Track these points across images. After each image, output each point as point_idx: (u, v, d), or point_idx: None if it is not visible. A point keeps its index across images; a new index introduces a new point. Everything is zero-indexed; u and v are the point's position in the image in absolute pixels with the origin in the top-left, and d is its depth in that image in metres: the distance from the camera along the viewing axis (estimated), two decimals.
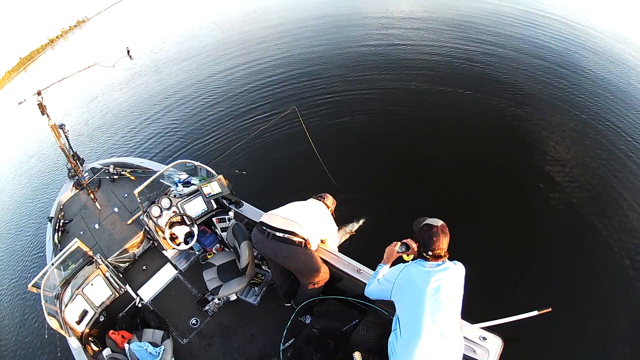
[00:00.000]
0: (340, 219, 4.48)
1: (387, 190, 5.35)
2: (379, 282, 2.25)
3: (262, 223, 2.93)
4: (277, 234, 2.80)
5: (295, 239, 2.78)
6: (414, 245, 2.19)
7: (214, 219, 4.09)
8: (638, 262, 4.00)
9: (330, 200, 3.20)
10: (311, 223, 2.88)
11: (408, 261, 2.19)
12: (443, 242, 1.94)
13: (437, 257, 1.97)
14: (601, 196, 4.82)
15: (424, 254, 1.99)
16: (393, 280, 2.06)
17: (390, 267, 2.34)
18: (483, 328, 2.28)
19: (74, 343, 3.10)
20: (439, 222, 2.02)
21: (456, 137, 6.15)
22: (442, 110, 6.99)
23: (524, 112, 6.62)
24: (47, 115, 4.06)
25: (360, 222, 4.47)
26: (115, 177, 5.07)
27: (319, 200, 3.16)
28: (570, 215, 4.60)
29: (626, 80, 7.56)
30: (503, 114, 6.63)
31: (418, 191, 5.26)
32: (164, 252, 4.29)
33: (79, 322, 3.34)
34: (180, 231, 3.87)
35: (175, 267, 4.22)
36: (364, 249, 4.30)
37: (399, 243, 2.31)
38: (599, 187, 4.96)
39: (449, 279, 1.94)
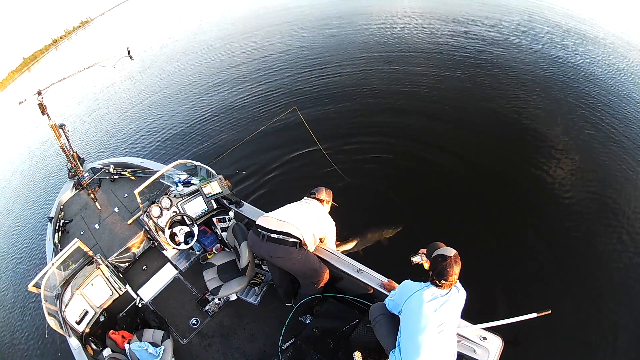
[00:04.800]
0: (352, 215, 4.50)
1: (394, 183, 5.40)
2: (394, 297, 2.33)
3: (257, 225, 2.95)
4: (272, 235, 2.82)
5: (290, 239, 2.80)
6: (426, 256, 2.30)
7: (214, 219, 4.09)
8: (638, 265, 3.98)
9: (323, 193, 3.19)
10: (306, 223, 2.89)
11: (428, 270, 2.25)
12: (455, 271, 2.06)
13: (449, 285, 2.08)
14: (602, 200, 4.79)
15: (437, 281, 2.08)
16: (405, 298, 2.16)
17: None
18: (483, 329, 2.27)
19: (74, 343, 3.10)
20: (451, 252, 2.11)
21: (460, 138, 6.12)
22: (446, 110, 6.97)
23: (529, 115, 6.59)
24: (48, 115, 4.07)
25: (395, 230, 4.47)
26: (116, 177, 5.07)
27: (312, 197, 3.16)
28: (571, 218, 4.58)
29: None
30: (507, 117, 6.60)
31: (423, 188, 5.30)
32: (164, 252, 4.29)
33: (79, 322, 3.35)
34: (181, 231, 3.87)
35: (176, 267, 4.22)
36: (365, 248, 4.33)
37: (412, 255, 2.37)
38: (600, 191, 4.92)
39: (452, 306, 2.08)
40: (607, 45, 9.46)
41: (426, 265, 2.28)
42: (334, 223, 3.10)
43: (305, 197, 3.21)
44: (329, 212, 3.21)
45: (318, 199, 3.14)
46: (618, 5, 13.40)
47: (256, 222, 2.99)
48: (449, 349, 2.04)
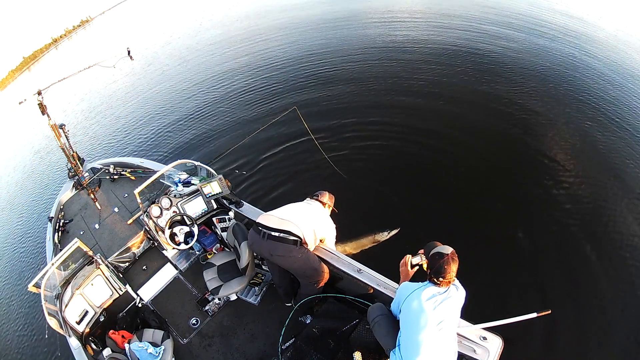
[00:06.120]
0: (356, 217, 4.52)
1: (393, 183, 5.40)
2: (395, 299, 2.34)
3: (258, 224, 2.95)
4: (273, 233, 2.82)
5: (291, 237, 2.80)
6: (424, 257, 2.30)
7: (214, 219, 4.09)
8: (638, 265, 3.98)
9: (326, 197, 3.20)
10: (307, 222, 2.89)
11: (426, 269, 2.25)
12: (453, 269, 2.06)
13: (447, 283, 2.09)
14: (602, 200, 4.78)
15: (435, 279, 2.08)
16: (404, 298, 2.16)
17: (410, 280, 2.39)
18: (483, 329, 2.27)
19: (74, 343, 3.10)
20: (448, 250, 2.11)
21: (459, 139, 6.11)
22: (445, 108, 6.98)
23: (531, 117, 6.55)
24: (48, 115, 4.07)
25: (392, 232, 4.39)
26: (116, 177, 5.08)
27: (315, 199, 3.17)
28: (571, 219, 4.57)
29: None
30: (509, 119, 6.55)
31: (424, 188, 5.29)
32: (164, 252, 4.28)
33: (79, 322, 3.35)
34: (181, 231, 3.87)
35: (176, 267, 4.22)
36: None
37: (412, 257, 2.37)
38: (600, 191, 4.92)
39: (452, 303, 2.08)
40: (607, 41, 9.48)
41: (425, 266, 2.28)
42: (334, 226, 3.10)
43: (308, 198, 3.20)
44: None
45: (320, 201, 3.14)
46: (618, 2, 13.43)
47: (257, 220, 2.99)
48: (449, 347, 2.04)
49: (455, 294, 2.10)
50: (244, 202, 3.90)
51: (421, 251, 2.33)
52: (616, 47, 9.14)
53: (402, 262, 2.43)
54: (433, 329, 1.99)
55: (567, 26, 10.50)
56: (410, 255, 2.36)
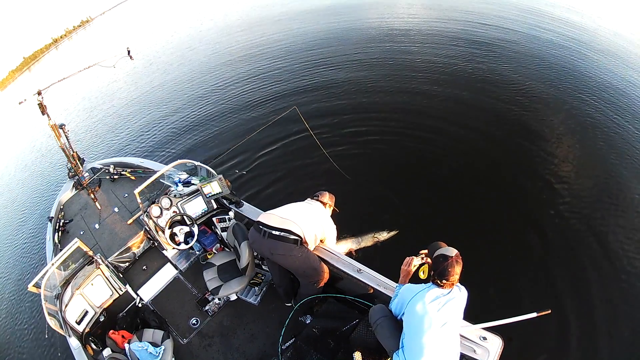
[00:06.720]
0: (356, 215, 4.51)
1: (394, 181, 5.40)
2: (397, 300, 2.33)
3: (259, 222, 2.97)
4: (274, 232, 2.83)
5: (291, 236, 2.81)
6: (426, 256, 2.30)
7: (214, 219, 4.09)
8: (638, 265, 3.97)
9: (327, 197, 3.22)
10: (307, 222, 2.91)
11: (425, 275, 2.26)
12: (457, 271, 2.05)
13: (450, 285, 2.08)
14: (603, 199, 4.77)
15: (438, 281, 2.08)
16: (408, 300, 2.16)
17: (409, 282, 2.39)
18: (483, 329, 2.27)
19: (74, 343, 3.10)
20: (453, 252, 2.10)
21: (460, 135, 6.12)
22: (446, 107, 6.97)
23: (530, 113, 6.57)
24: (48, 115, 4.07)
25: (392, 233, 4.38)
26: (116, 177, 5.08)
27: (315, 199, 3.19)
28: (572, 218, 4.56)
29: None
30: (509, 116, 6.57)
31: (424, 186, 5.28)
32: (164, 252, 4.29)
33: (79, 322, 3.35)
34: (181, 231, 3.87)
35: (176, 267, 4.22)
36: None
37: (415, 258, 2.37)
38: (601, 190, 4.91)
39: (455, 305, 2.08)
40: (608, 37, 9.50)
41: (422, 275, 2.28)
42: (335, 226, 3.11)
43: (309, 199, 3.22)
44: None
45: (321, 202, 3.16)
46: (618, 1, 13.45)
47: (257, 219, 3.01)
48: (452, 349, 2.04)
49: (458, 295, 2.10)
50: (244, 202, 3.90)
51: (423, 251, 2.32)
52: (617, 43, 9.14)
53: (405, 261, 2.43)
54: (437, 330, 1.99)
55: (568, 22, 10.51)
56: (414, 257, 2.36)
